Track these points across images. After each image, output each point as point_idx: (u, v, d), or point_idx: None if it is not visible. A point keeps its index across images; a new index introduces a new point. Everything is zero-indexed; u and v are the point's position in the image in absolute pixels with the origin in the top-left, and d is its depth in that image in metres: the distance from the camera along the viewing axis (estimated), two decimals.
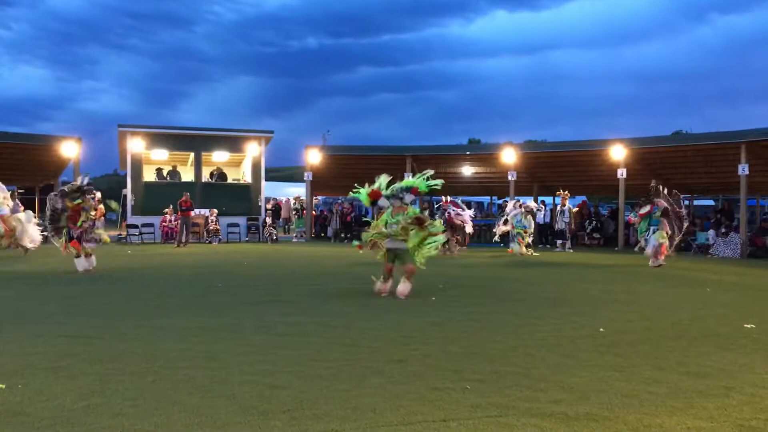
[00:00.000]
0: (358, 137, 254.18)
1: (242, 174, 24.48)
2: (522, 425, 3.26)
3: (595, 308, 7.32)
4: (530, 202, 17.99)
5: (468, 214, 17.03)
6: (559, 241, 19.23)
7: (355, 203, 26.61)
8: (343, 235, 22.60)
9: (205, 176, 23.01)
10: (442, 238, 8.48)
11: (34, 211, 22.58)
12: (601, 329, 5.90)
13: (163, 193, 21.36)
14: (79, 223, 10.80)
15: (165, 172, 22.93)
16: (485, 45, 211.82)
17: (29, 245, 13.37)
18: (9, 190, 17.77)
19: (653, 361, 4.68)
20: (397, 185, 8.43)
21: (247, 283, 9.78)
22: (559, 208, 19.71)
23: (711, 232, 18.38)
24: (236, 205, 22.31)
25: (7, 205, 13.70)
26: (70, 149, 19.77)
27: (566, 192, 19.24)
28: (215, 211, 21.19)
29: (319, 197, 29.88)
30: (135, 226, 20.95)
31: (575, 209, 21.56)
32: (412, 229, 8.11)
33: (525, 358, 4.75)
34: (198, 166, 22.52)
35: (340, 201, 25.05)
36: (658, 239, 12.98)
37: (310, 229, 23.59)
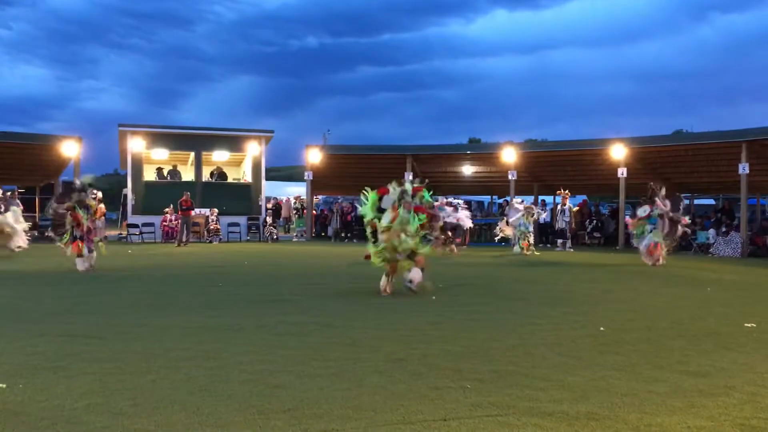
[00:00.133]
0: (358, 137, 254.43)
1: (242, 173, 24.48)
2: (522, 424, 3.26)
3: (595, 307, 7.32)
4: (534, 208, 17.95)
5: (463, 213, 16.94)
6: (559, 241, 19.24)
7: (355, 202, 26.65)
8: (343, 235, 22.60)
9: (206, 176, 23.02)
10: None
11: (34, 211, 22.79)
12: (602, 328, 5.89)
13: (164, 193, 21.37)
14: (84, 221, 10.84)
15: (165, 172, 22.94)
16: (485, 44, 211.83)
17: (16, 247, 13.48)
18: (9, 190, 17.84)
19: (654, 360, 4.68)
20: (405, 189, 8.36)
21: (247, 282, 9.79)
22: (559, 207, 19.71)
23: (711, 231, 18.38)
24: (236, 204, 22.31)
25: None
26: (70, 149, 19.79)
27: (567, 191, 19.24)
28: (216, 210, 21.19)
29: (320, 196, 29.89)
30: (135, 226, 20.98)
31: (576, 208, 21.57)
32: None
33: (525, 357, 4.75)
34: (198, 165, 22.53)
35: (339, 200, 25.02)
36: (653, 238, 12.96)
37: (310, 228, 23.60)
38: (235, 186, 23.89)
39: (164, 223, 21.03)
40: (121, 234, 21.91)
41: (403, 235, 7.99)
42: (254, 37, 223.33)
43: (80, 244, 10.87)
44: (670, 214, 13.07)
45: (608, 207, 27.30)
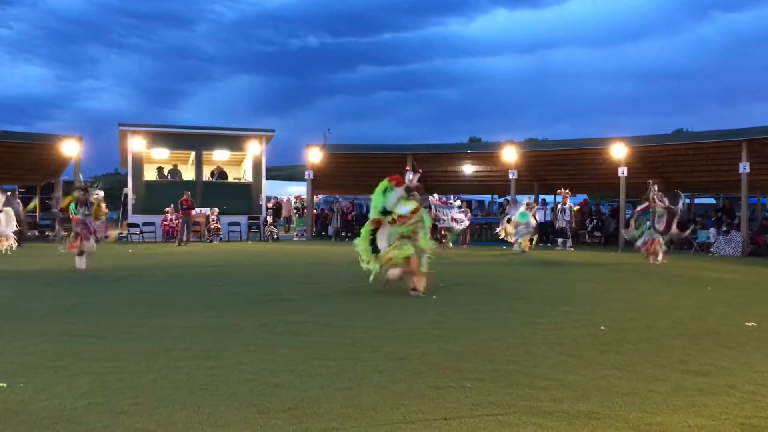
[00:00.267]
0: (358, 136, 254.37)
1: (243, 173, 24.48)
2: (523, 423, 3.26)
3: (596, 307, 7.32)
4: (535, 206, 17.92)
5: (458, 215, 16.81)
6: (560, 240, 19.24)
7: (355, 201, 26.64)
8: (344, 234, 22.60)
9: (206, 175, 23.02)
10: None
11: (34, 211, 22.81)
12: (602, 327, 5.89)
13: (164, 192, 21.36)
14: (78, 214, 10.92)
15: (166, 171, 22.94)
16: (486, 43, 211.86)
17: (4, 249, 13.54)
18: (9, 190, 17.87)
19: (654, 359, 4.68)
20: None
21: (247, 281, 9.79)
22: (560, 206, 19.72)
23: (712, 230, 18.37)
24: (237, 203, 22.31)
25: None
26: (70, 148, 19.78)
27: (567, 190, 19.24)
28: (216, 210, 21.19)
29: (320, 196, 29.89)
30: (136, 225, 20.98)
31: (576, 208, 21.56)
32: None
33: (526, 356, 4.75)
34: (199, 165, 22.53)
35: (338, 200, 24.98)
36: (651, 235, 12.93)
37: (310, 227, 23.59)
38: (236, 185, 23.89)
39: (165, 223, 21.03)
40: (121, 233, 21.91)
41: (420, 233, 8.09)
42: (255, 36, 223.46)
43: (79, 242, 10.92)
44: (671, 207, 13.02)
45: (609, 206, 27.30)
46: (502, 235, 17.12)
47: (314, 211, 25.05)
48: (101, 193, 11.69)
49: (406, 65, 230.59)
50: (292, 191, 32.49)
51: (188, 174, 23.24)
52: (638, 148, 19.84)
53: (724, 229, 18.18)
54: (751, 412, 3.46)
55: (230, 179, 23.98)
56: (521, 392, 3.79)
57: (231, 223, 21.92)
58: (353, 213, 23.37)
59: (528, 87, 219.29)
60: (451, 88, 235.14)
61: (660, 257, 12.83)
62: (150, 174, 22.59)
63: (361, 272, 8.27)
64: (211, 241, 20.55)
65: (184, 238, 19.04)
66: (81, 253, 11.09)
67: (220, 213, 21.24)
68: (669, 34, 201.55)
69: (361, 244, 8.27)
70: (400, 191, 8.27)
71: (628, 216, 15.97)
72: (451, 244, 16.78)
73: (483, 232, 21.49)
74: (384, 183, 8.38)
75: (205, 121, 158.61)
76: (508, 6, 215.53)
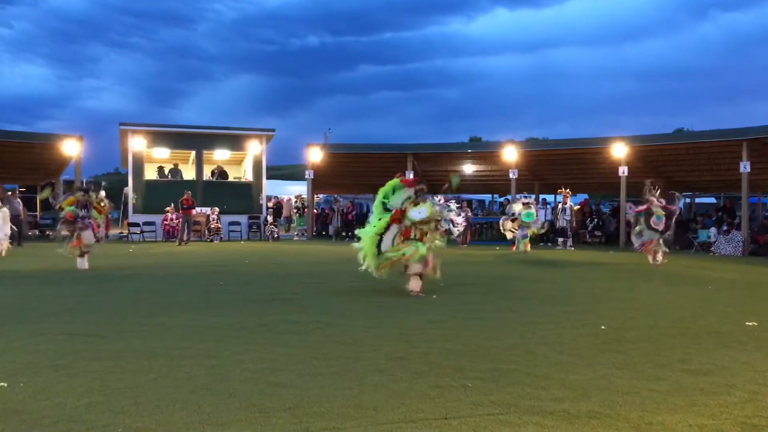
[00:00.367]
0: (359, 135, 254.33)
1: (243, 172, 24.49)
2: (523, 423, 3.26)
3: (596, 306, 7.32)
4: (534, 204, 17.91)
5: (454, 216, 16.75)
6: (560, 239, 19.24)
7: (356, 201, 26.65)
8: (344, 234, 22.59)
9: (207, 175, 23.03)
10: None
11: (35, 210, 22.82)
12: (603, 327, 5.89)
13: (165, 192, 21.38)
14: (74, 212, 10.95)
15: (166, 171, 22.96)
16: (486, 43, 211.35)
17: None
18: (10, 189, 17.89)
19: (655, 358, 4.68)
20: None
21: (248, 281, 9.79)
22: (560, 206, 19.72)
23: (713, 229, 18.37)
24: (237, 203, 22.32)
25: None
26: (71, 147, 19.80)
27: (568, 190, 19.23)
28: (216, 209, 21.20)
29: (321, 195, 29.89)
30: (136, 225, 20.99)
31: (577, 207, 21.56)
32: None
33: (526, 356, 4.75)
34: (199, 164, 22.54)
35: (338, 200, 24.95)
36: (651, 236, 12.91)
37: (311, 227, 23.60)
38: (236, 185, 23.89)
39: (165, 222, 21.04)
40: (122, 233, 21.92)
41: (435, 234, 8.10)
42: (255, 36, 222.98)
43: (79, 241, 10.94)
44: (670, 207, 12.98)
45: (609, 206, 27.30)
46: (510, 236, 17.05)
47: (315, 210, 25.05)
48: (103, 194, 11.74)
49: (406, 65, 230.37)
50: (293, 191, 32.46)
51: (189, 173, 23.26)
52: (639, 148, 19.84)
53: (725, 228, 18.17)
54: (751, 411, 3.46)
55: (231, 179, 23.99)
56: (522, 391, 3.79)
57: (231, 223, 21.93)
58: (354, 212, 23.37)
59: (528, 86, 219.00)
60: (451, 88, 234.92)
61: (660, 257, 12.81)
62: (150, 173, 22.61)
63: (361, 272, 8.26)
64: (211, 241, 20.56)
65: (185, 238, 19.04)
66: (83, 254, 11.11)
67: (220, 212, 21.25)
68: (669, 33, 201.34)
69: (366, 244, 8.02)
70: (409, 191, 8.22)
71: (628, 215, 15.91)
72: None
73: (483, 231, 21.49)
74: (394, 181, 8.33)
75: (205, 121, 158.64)
76: (508, 5, 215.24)
